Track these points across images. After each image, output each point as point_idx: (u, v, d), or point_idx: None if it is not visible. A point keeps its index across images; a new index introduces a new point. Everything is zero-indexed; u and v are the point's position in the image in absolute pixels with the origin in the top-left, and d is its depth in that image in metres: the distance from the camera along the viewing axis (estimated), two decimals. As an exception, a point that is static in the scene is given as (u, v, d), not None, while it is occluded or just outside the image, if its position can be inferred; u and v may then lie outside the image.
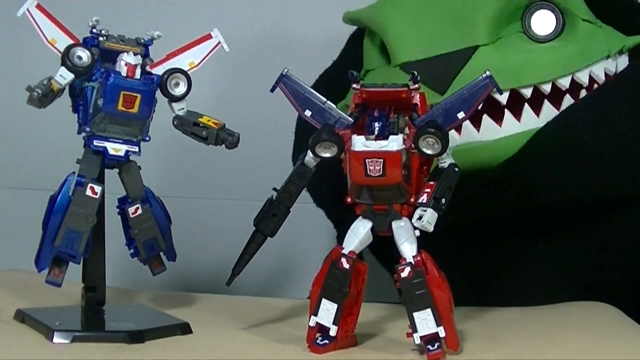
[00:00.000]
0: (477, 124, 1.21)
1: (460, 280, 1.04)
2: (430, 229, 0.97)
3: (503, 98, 1.19)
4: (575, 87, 1.24)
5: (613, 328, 1.11)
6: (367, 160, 0.97)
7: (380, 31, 1.27)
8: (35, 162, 1.66)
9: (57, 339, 1.02)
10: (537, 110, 1.21)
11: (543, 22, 1.24)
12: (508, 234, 1.24)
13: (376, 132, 0.98)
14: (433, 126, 0.97)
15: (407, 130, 1.00)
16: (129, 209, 1.11)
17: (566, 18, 1.25)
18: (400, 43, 1.23)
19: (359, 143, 0.98)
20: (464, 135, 1.21)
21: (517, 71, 1.21)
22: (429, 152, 0.98)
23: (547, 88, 1.21)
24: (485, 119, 1.20)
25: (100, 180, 1.09)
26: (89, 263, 1.12)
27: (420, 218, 0.97)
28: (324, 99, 1.02)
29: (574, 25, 1.25)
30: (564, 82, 1.22)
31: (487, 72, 0.99)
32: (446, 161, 1.00)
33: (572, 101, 1.23)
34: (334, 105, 1.02)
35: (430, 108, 1.02)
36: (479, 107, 1.13)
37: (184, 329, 1.08)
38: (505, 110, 1.20)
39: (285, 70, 1.03)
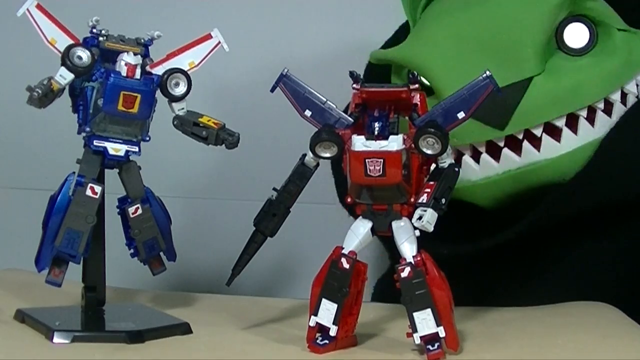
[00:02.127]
0: (537, 143, 1.21)
1: (468, 283, 1.05)
2: (430, 229, 0.97)
3: (560, 123, 1.21)
4: (624, 96, 1.25)
5: (613, 328, 1.11)
6: (367, 160, 0.97)
7: (421, 71, 1.24)
8: (35, 162, 1.66)
9: (57, 339, 1.02)
10: (591, 121, 1.23)
11: (576, 35, 1.24)
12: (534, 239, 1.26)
13: (376, 132, 0.98)
14: (433, 126, 0.97)
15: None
16: (129, 209, 1.11)
17: (599, 29, 1.25)
18: (446, 81, 1.21)
19: (359, 143, 0.98)
20: (525, 157, 1.21)
21: (572, 95, 1.21)
22: (429, 152, 0.98)
23: (600, 105, 1.23)
24: (545, 137, 1.21)
25: (100, 180, 1.09)
26: (89, 263, 1.12)
27: (420, 218, 0.97)
28: (324, 99, 1.02)
29: (610, 36, 1.25)
30: (615, 97, 1.24)
31: (487, 72, 0.99)
32: (446, 161, 1.00)
33: (622, 107, 1.24)
34: (334, 105, 1.02)
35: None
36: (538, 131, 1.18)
37: (184, 329, 1.08)
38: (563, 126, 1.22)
39: (285, 70, 1.03)
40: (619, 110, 1.24)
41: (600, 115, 1.23)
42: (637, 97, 1.26)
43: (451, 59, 1.23)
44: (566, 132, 1.21)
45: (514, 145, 1.22)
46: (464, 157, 1.24)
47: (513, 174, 1.22)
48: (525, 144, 1.21)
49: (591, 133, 1.22)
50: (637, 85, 1.26)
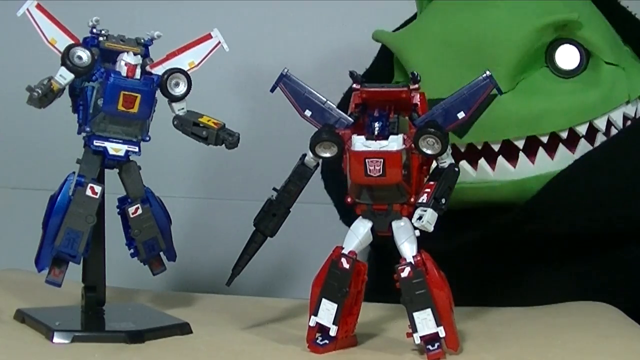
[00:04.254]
0: (492, 163, 1.23)
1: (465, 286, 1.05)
2: (430, 229, 0.97)
3: (520, 143, 1.22)
4: (592, 132, 1.25)
5: (613, 328, 1.11)
6: (367, 160, 0.97)
7: (404, 62, 1.28)
8: (35, 162, 1.66)
9: (57, 339, 1.02)
10: (551, 153, 1.24)
11: (567, 56, 1.26)
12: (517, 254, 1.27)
13: (376, 132, 0.98)
14: (433, 126, 0.97)
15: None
16: (129, 209, 1.11)
17: (590, 58, 1.26)
18: (425, 80, 1.23)
19: (359, 143, 0.98)
20: (480, 173, 1.24)
21: (536, 119, 1.22)
22: (429, 152, 0.98)
23: (564, 135, 1.24)
24: (500, 159, 1.23)
25: (100, 180, 1.09)
26: (89, 263, 1.12)
27: (420, 218, 0.97)
28: (324, 99, 1.02)
29: (597, 67, 1.26)
30: (581, 129, 1.24)
31: (487, 72, 0.99)
32: (446, 161, 1.00)
33: (587, 145, 1.24)
34: (334, 105, 1.02)
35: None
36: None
37: (184, 329, 1.08)
38: (520, 152, 1.23)
39: (286, 70, 1.03)
40: (582, 147, 1.24)
41: (561, 149, 1.23)
42: (604, 133, 1.25)
43: (434, 60, 1.25)
44: (523, 159, 1.23)
45: (473, 159, 1.24)
46: None
47: (467, 186, 1.24)
48: (482, 162, 1.23)
49: (548, 165, 1.23)
50: (608, 121, 1.26)
